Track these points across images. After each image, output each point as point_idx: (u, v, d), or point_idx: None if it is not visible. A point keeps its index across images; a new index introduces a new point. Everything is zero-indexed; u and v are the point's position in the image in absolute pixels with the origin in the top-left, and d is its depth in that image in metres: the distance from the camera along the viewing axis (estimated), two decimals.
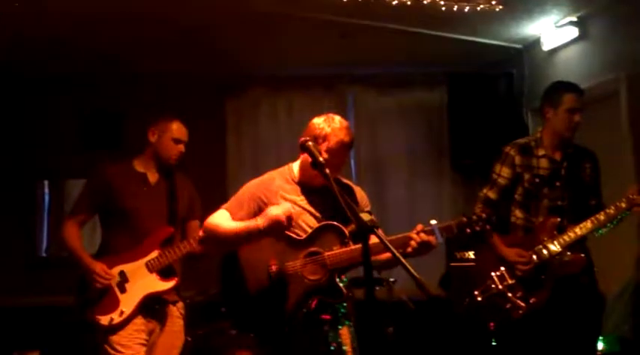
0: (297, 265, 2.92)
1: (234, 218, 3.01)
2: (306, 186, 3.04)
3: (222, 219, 3.02)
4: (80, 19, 4.92)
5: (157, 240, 3.68)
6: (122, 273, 3.63)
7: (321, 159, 2.68)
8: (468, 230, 2.81)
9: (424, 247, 2.78)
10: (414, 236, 2.78)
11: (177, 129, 3.78)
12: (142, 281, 3.63)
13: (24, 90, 6.42)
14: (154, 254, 3.66)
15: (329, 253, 2.88)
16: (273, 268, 2.93)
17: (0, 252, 6.14)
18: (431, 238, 2.77)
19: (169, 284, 3.68)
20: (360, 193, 3.14)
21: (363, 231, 2.30)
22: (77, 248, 3.68)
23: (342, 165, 3.08)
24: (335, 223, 2.90)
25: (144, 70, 6.16)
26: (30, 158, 6.37)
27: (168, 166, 3.80)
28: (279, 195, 3.01)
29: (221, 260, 3.09)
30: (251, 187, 3.08)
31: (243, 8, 4.76)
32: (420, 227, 2.82)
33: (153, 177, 3.81)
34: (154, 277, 3.65)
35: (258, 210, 2.98)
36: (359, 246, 2.79)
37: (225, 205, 3.09)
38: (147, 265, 3.65)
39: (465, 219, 2.83)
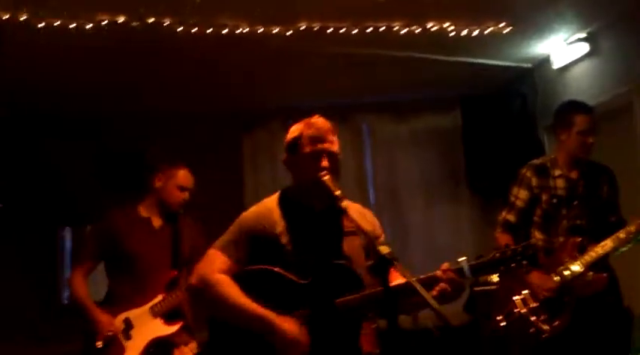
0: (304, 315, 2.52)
1: (232, 261, 2.56)
2: (306, 212, 2.63)
3: (228, 282, 2.52)
4: (91, 64, 5.03)
5: (161, 284, 3.71)
6: (127, 320, 3.66)
7: (338, 193, 2.42)
8: (502, 268, 2.46)
9: (454, 289, 2.37)
10: (442, 275, 2.38)
11: (183, 176, 3.84)
12: (147, 326, 3.64)
13: (45, 133, 6.41)
14: (158, 298, 3.69)
15: (339, 301, 2.48)
16: None
17: (21, 299, 6.16)
18: (460, 281, 2.38)
19: (174, 328, 3.69)
20: (370, 218, 2.72)
21: (382, 265, 2.13)
22: (83, 298, 3.72)
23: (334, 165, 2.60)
24: (343, 263, 2.54)
25: (159, 110, 6.21)
26: (52, 204, 6.40)
27: (171, 212, 3.84)
28: (282, 233, 2.57)
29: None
30: (248, 220, 2.64)
31: (256, 47, 4.83)
32: (446, 265, 2.42)
33: (157, 221, 3.86)
34: (159, 321, 3.67)
35: (256, 243, 2.57)
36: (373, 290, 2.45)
37: (218, 244, 2.62)
38: (151, 310, 3.67)
39: (498, 255, 2.44)
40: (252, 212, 2.68)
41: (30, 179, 6.45)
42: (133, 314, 3.66)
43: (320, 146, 2.58)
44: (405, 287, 2.20)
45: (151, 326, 3.65)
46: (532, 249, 2.45)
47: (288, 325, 2.42)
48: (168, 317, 3.69)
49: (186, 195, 3.84)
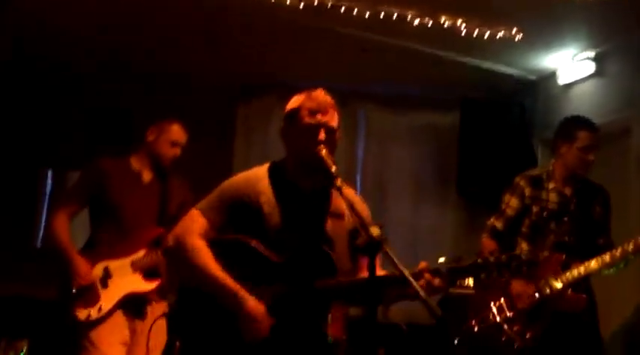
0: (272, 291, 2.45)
1: (210, 224, 2.52)
2: (293, 188, 2.57)
3: (203, 247, 2.47)
4: (95, 16, 4.92)
5: (144, 240, 3.67)
6: (106, 269, 3.61)
7: (334, 169, 2.36)
8: (483, 275, 2.37)
9: (429, 290, 2.28)
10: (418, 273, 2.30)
11: (176, 131, 3.81)
12: (125, 279, 3.61)
13: (35, 80, 6.36)
14: (141, 253, 3.65)
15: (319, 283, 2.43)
16: None
17: None
18: (437, 281, 2.31)
19: (152, 285, 3.65)
20: (361, 204, 2.58)
21: (372, 246, 2.07)
22: (64, 240, 3.66)
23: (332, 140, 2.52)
24: (320, 247, 2.48)
25: (157, 70, 6.13)
26: (35, 145, 6.31)
27: (162, 167, 3.80)
28: (265, 197, 2.51)
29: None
30: (233, 186, 2.59)
31: (264, 16, 4.75)
32: (423, 265, 2.35)
33: (147, 175, 3.82)
34: (138, 276, 3.63)
35: (238, 211, 2.51)
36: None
37: (200, 205, 2.57)
38: (132, 264, 3.64)
39: (480, 261, 2.35)
40: (239, 177, 2.63)
41: (13, 119, 6.36)
42: (113, 264, 3.62)
43: (320, 117, 2.51)
44: (391, 277, 2.16)
45: (129, 280, 3.61)
46: (517, 260, 2.38)
47: (254, 305, 2.37)
48: (148, 274, 3.65)
49: (177, 150, 3.81)
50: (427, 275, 2.31)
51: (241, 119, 6.64)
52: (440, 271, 2.33)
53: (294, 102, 2.60)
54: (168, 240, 2.59)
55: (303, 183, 2.57)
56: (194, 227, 2.52)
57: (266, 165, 2.65)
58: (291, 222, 2.51)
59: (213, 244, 2.51)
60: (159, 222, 3.71)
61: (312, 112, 2.52)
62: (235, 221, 2.53)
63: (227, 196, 2.56)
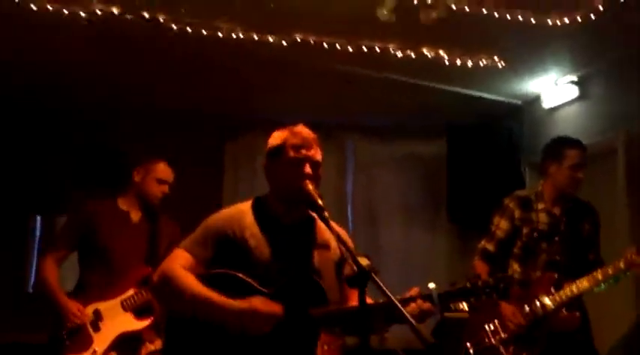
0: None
1: (196, 260, 2.50)
2: (277, 223, 2.58)
3: (187, 275, 2.45)
4: (83, 54, 4.95)
5: (133, 279, 3.66)
6: (96, 312, 3.60)
7: (320, 202, 2.39)
8: (473, 299, 2.42)
9: (420, 315, 2.34)
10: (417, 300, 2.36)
11: (162, 169, 3.81)
12: (117, 319, 3.60)
13: (22, 122, 6.35)
14: (130, 292, 3.64)
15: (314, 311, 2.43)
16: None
17: None
18: (428, 306, 2.36)
19: (144, 323, 3.64)
20: (345, 236, 2.50)
21: (361, 276, 2.06)
22: (53, 285, 3.66)
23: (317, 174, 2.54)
24: (308, 278, 2.49)
25: (145, 109, 6.16)
26: (22, 191, 6.30)
27: (151, 206, 3.80)
28: (249, 232, 2.52)
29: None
30: (218, 221, 2.57)
31: (248, 54, 4.79)
32: (415, 291, 2.41)
33: (136, 216, 3.82)
34: (129, 316, 3.62)
35: (222, 249, 2.51)
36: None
37: (184, 243, 2.56)
38: (122, 303, 3.62)
39: (469, 286, 2.41)
40: (223, 213, 2.62)
41: (3, 164, 6.35)
42: (103, 305, 3.61)
43: (304, 152, 2.52)
44: (382, 304, 2.17)
45: (120, 320, 3.60)
46: (504, 282, 2.42)
47: (246, 303, 2.36)
48: (139, 313, 3.64)
49: (165, 188, 3.81)
50: (418, 301, 2.34)
51: (229, 156, 6.67)
52: (430, 296, 2.36)
53: (277, 138, 2.61)
54: (154, 278, 2.57)
55: (286, 217, 2.58)
56: (178, 261, 2.51)
57: (249, 201, 2.65)
58: (279, 255, 2.50)
59: (201, 279, 2.47)
60: (147, 262, 3.70)
61: (297, 147, 2.53)
62: (221, 256, 2.51)
63: (212, 232, 2.54)
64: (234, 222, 2.54)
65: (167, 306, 2.62)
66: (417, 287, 2.41)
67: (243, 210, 2.59)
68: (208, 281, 2.47)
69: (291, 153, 2.52)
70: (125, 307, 3.62)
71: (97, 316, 3.59)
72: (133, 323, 3.62)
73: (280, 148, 2.56)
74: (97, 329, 3.57)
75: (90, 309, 3.60)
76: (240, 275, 2.45)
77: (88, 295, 3.63)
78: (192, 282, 2.44)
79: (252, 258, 2.48)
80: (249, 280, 2.44)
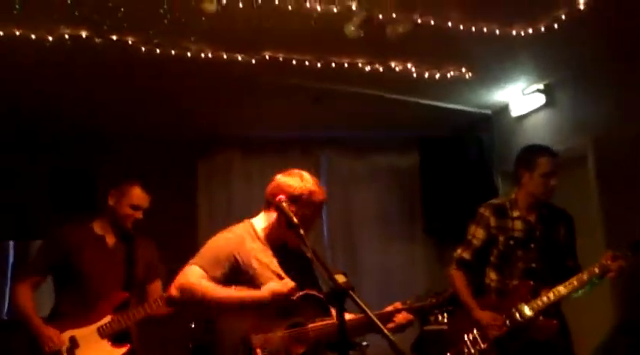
0: (279, 337, 2.72)
1: (210, 277, 2.76)
2: (273, 246, 2.89)
3: (207, 283, 2.73)
4: (53, 78, 4.92)
5: (110, 305, 3.62)
6: (72, 339, 3.55)
7: (295, 220, 2.63)
8: (436, 311, 2.95)
9: (405, 325, 2.84)
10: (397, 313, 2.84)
11: (137, 195, 3.77)
12: (93, 347, 3.55)
13: None
14: (107, 319, 3.59)
15: (312, 325, 2.75)
16: (254, 340, 2.69)
17: None
18: (411, 317, 2.83)
19: (121, 351, 3.59)
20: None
21: (338, 294, 2.20)
22: (28, 311, 3.60)
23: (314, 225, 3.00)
24: (316, 293, 2.80)
25: (116, 130, 6.13)
26: None
27: (125, 230, 3.76)
28: (253, 257, 2.83)
29: (190, 327, 2.98)
30: (225, 244, 2.84)
31: (218, 73, 4.80)
32: (398, 305, 2.84)
33: (111, 240, 3.78)
34: (106, 343, 3.57)
35: (231, 270, 2.79)
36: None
37: (197, 261, 2.80)
38: (98, 330, 3.57)
39: (434, 301, 2.93)
40: (229, 236, 2.87)
41: None
42: (79, 333, 3.56)
43: (317, 217, 2.95)
44: (361, 320, 2.41)
45: (97, 347, 3.55)
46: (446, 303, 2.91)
47: (271, 285, 2.71)
48: (116, 340, 3.59)
49: (139, 213, 3.76)
50: (405, 314, 2.79)
51: (202, 174, 6.64)
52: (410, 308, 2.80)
53: (305, 187, 2.87)
54: (171, 292, 2.77)
55: (279, 242, 2.90)
56: (194, 275, 2.75)
57: (249, 225, 2.92)
58: (288, 273, 2.82)
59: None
60: (125, 287, 3.67)
61: (316, 208, 2.90)
62: (230, 277, 2.76)
63: (223, 254, 2.79)
64: (238, 245, 2.82)
65: (195, 312, 2.95)
66: (397, 301, 2.81)
67: (242, 235, 2.86)
68: None
69: (308, 211, 2.83)
70: (102, 334, 3.57)
71: (73, 343, 3.53)
72: (109, 351, 3.56)
73: (303, 198, 2.84)
74: None
75: (66, 336, 3.54)
76: None
77: (63, 321, 3.57)
78: (209, 285, 2.71)
79: (257, 279, 2.78)
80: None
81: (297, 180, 2.87)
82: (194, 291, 2.72)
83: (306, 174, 2.91)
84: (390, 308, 2.82)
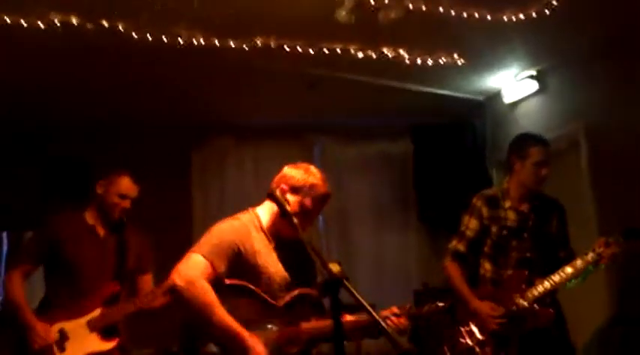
0: (273, 337, 2.71)
1: (214, 269, 2.67)
2: (274, 237, 2.89)
3: (210, 289, 2.63)
4: (43, 66, 4.88)
5: (100, 298, 3.60)
6: (62, 331, 3.52)
7: (288, 208, 2.64)
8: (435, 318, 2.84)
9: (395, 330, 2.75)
10: (392, 317, 2.77)
11: (125, 184, 3.74)
12: (83, 340, 3.52)
13: None
14: (96, 312, 3.57)
15: (306, 325, 2.75)
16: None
17: None
18: (406, 323, 2.78)
19: (110, 345, 3.58)
20: None
21: (332, 283, 2.18)
22: (19, 302, 3.58)
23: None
24: (311, 293, 2.81)
25: (109, 118, 6.08)
26: None
27: (113, 220, 3.74)
28: (257, 249, 2.78)
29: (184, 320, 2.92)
30: (230, 232, 2.79)
31: (210, 60, 4.77)
32: (395, 309, 2.80)
33: (101, 230, 3.76)
34: (95, 336, 3.55)
35: (234, 259, 2.73)
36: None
37: (202, 251, 2.70)
38: (88, 324, 3.55)
39: (433, 308, 2.83)
40: (232, 226, 2.82)
41: None
42: (68, 325, 3.53)
43: (319, 210, 2.94)
44: (356, 322, 2.48)
45: (86, 341, 3.52)
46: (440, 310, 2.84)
47: (258, 346, 2.59)
48: (105, 333, 3.57)
49: (126, 203, 3.73)
50: (394, 319, 2.74)
51: (196, 163, 6.60)
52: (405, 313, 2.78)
53: (308, 177, 2.89)
54: (174, 279, 2.65)
55: (281, 233, 2.89)
56: (201, 269, 2.66)
57: (253, 215, 2.90)
58: (286, 268, 2.84)
59: (217, 287, 2.67)
60: (116, 277, 3.65)
61: (320, 200, 2.92)
62: (233, 268, 2.72)
63: (226, 244, 2.73)
64: (242, 235, 2.78)
65: (186, 312, 2.72)
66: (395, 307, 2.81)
67: (246, 225, 2.83)
68: (227, 289, 2.70)
69: (310, 203, 2.85)
70: (91, 327, 3.54)
71: (63, 336, 3.51)
72: (98, 344, 3.54)
73: (305, 189, 2.86)
74: (62, 349, 3.49)
75: (55, 328, 3.52)
76: (257, 290, 2.73)
77: (53, 313, 3.55)
78: (214, 300, 2.62)
79: (260, 273, 2.77)
80: (264, 295, 2.73)
81: (301, 172, 2.89)
82: (200, 293, 2.62)
83: (312, 168, 2.94)
84: (386, 313, 2.77)
